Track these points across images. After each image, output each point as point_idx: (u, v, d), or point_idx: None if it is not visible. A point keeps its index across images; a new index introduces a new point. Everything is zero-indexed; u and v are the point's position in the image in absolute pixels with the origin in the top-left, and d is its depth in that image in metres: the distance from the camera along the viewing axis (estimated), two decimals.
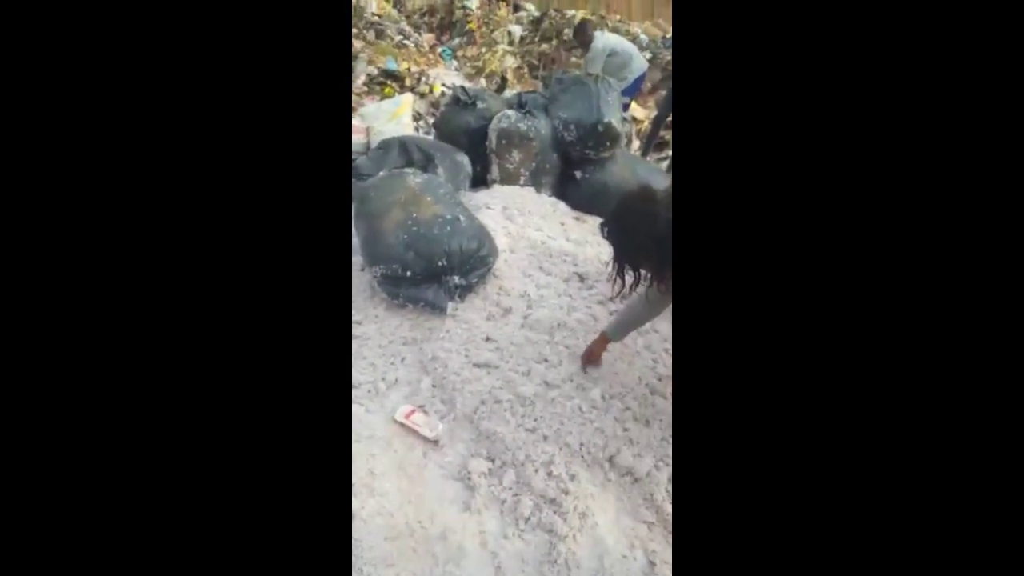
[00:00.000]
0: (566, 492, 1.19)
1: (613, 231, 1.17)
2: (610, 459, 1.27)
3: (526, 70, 5.46)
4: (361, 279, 1.84)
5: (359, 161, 2.64)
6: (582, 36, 3.72)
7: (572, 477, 1.22)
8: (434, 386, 1.45)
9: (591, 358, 1.48)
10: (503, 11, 6.71)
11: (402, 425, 1.35)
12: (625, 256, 1.15)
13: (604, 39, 3.65)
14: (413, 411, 1.38)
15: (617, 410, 1.37)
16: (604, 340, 1.47)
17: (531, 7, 7.09)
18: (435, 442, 1.32)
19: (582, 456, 1.26)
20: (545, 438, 1.29)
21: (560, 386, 1.41)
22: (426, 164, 2.41)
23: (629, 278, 1.16)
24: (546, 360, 1.50)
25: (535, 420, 1.32)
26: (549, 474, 1.22)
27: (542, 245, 2.05)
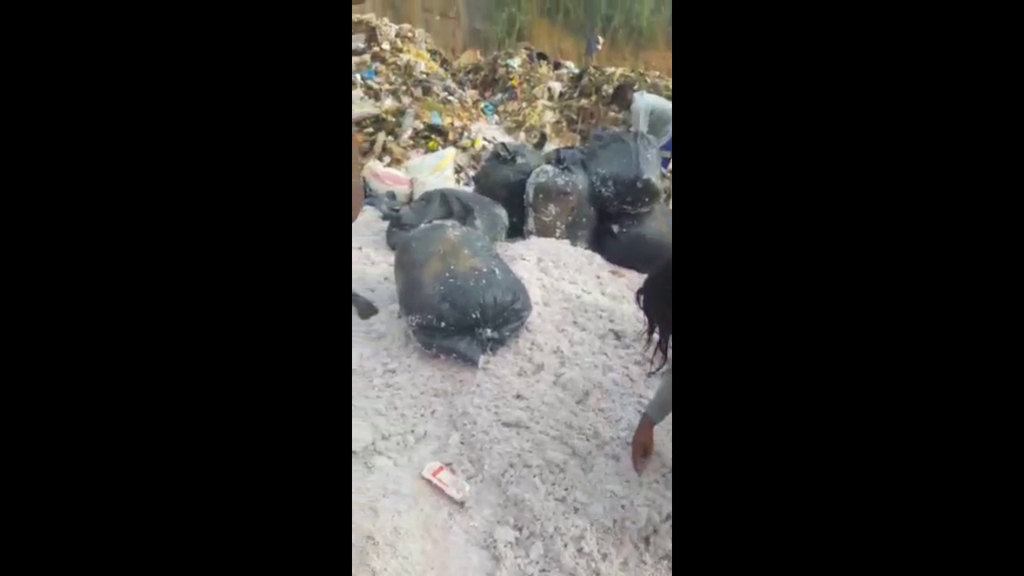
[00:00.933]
0: (597, 573, 1.12)
1: (655, 299, 1.11)
2: (646, 540, 1.19)
3: (565, 124, 5.63)
4: (398, 326, 1.86)
5: (402, 211, 2.75)
6: (622, 99, 3.88)
7: (604, 556, 1.15)
8: (462, 443, 1.42)
9: (644, 452, 1.31)
10: (544, 68, 7.02)
11: (429, 482, 1.32)
12: (670, 326, 1.10)
13: (643, 99, 3.80)
14: (441, 468, 1.35)
15: (655, 484, 1.29)
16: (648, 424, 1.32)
17: (571, 64, 7.40)
18: (461, 504, 1.27)
19: (615, 533, 1.19)
20: (576, 510, 1.22)
21: (594, 454, 1.36)
22: (465, 216, 2.48)
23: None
24: (579, 425, 1.45)
25: (565, 489, 1.27)
26: (579, 550, 1.15)
27: (577, 299, 2.03)
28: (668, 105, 3.88)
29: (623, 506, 1.24)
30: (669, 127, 3.69)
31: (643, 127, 3.59)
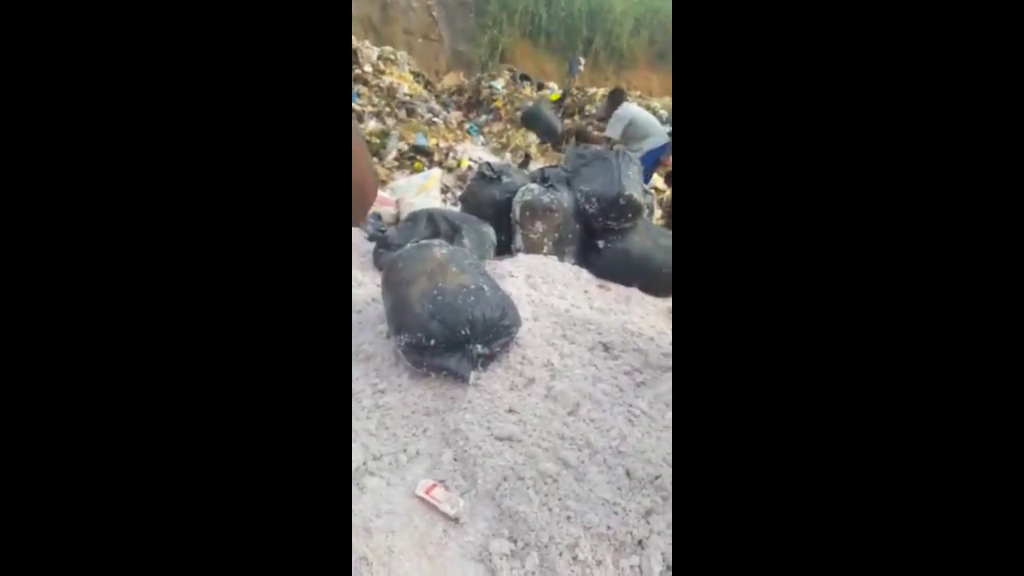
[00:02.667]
0: None
1: None
2: (640, 543, 1.20)
3: (549, 144, 5.74)
4: (386, 347, 1.86)
5: (389, 232, 2.77)
6: (612, 104, 3.99)
7: (599, 563, 1.16)
8: (455, 459, 1.42)
9: None
10: (527, 90, 7.16)
11: (422, 500, 1.32)
12: None
13: (626, 109, 3.92)
14: (434, 485, 1.35)
15: (650, 489, 1.31)
16: None
17: (554, 85, 7.56)
18: (456, 520, 1.28)
19: (609, 540, 1.20)
20: (569, 519, 1.23)
21: (586, 463, 1.37)
22: (453, 235, 2.51)
23: None
24: (570, 436, 1.46)
25: (559, 499, 1.28)
26: (574, 558, 1.16)
27: (565, 313, 2.06)
28: (651, 120, 4.01)
29: (616, 512, 1.25)
30: (645, 142, 3.82)
31: (616, 135, 3.72)
